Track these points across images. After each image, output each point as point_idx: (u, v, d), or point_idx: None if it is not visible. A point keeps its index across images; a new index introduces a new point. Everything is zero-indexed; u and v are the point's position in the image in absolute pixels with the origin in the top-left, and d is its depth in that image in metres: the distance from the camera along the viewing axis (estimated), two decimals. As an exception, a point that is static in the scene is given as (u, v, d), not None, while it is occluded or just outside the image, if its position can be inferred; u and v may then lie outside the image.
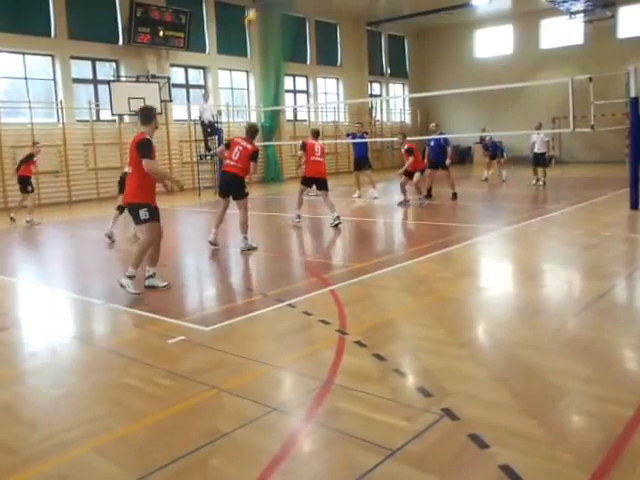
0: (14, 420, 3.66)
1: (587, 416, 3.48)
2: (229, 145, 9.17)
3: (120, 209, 10.09)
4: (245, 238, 8.87)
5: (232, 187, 9.00)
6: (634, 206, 11.35)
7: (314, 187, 11.44)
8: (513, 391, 3.70)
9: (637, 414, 3.34)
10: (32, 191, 13.05)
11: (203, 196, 18.16)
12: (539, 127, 16.97)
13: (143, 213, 6.41)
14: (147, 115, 6.62)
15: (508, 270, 7.65)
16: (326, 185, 11.14)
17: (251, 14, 18.52)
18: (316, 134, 11.69)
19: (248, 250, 8.79)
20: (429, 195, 14.36)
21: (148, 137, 6.41)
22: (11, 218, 13.15)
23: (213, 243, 9.10)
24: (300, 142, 12.03)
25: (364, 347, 4.53)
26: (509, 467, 2.83)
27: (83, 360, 4.76)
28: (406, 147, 13.53)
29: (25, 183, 12.88)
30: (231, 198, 9.06)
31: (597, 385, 3.79)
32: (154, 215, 6.49)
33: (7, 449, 3.28)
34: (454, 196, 14.21)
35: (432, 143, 14.37)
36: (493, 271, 7.64)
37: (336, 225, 10.70)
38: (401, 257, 8.24)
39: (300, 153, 11.78)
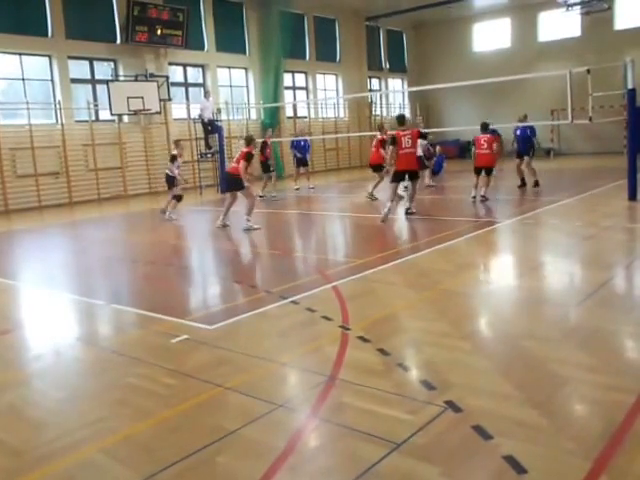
0: (20, 422, 3.68)
1: (589, 404, 3.52)
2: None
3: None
4: (248, 220, 10.63)
5: (232, 184, 11.01)
6: (632, 196, 11.37)
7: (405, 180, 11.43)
8: (516, 382, 3.73)
9: (638, 401, 3.36)
10: None
11: (205, 195, 18.13)
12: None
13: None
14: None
15: (509, 262, 7.68)
16: (417, 175, 11.49)
17: None
18: (402, 120, 11.51)
19: (250, 229, 10.56)
20: (524, 184, 14.66)
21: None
22: None
23: (223, 225, 10.97)
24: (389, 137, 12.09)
25: (367, 342, 4.55)
26: (513, 457, 2.86)
27: (87, 361, 4.78)
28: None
29: None
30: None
31: (599, 373, 3.81)
32: None
33: (14, 451, 3.30)
34: (536, 184, 14.50)
35: (518, 132, 14.76)
36: (494, 264, 7.66)
37: (410, 213, 11.14)
38: (402, 252, 8.26)
39: (392, 148, 11.35)
